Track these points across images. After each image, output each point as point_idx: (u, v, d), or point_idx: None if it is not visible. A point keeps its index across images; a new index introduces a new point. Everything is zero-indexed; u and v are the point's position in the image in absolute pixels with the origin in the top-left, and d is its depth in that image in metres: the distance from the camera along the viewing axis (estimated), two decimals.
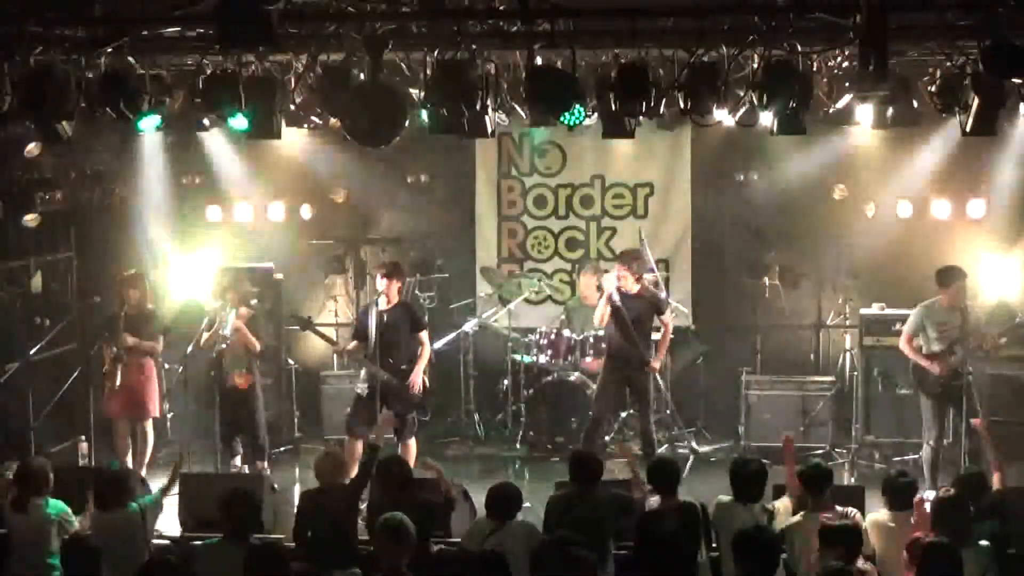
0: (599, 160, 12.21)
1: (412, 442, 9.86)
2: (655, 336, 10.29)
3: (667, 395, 11.25)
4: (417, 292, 12.08)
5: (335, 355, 11.66)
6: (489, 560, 5.99)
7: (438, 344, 11.39)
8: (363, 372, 9.79)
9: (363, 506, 7.90)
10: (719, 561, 7.30)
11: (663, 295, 10.48)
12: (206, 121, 9.43)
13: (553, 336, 11.21)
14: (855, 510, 7.25)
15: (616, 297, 9.91)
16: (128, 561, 6.65)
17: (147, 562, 6.17)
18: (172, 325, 10.47)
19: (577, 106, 7.95)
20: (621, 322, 9.95)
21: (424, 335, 9.95)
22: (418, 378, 9.78)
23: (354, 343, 9.88)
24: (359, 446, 9.66)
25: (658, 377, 10.42)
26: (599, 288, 10.33)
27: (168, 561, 6.35)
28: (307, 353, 12.30)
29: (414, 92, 8.13)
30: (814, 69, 7.94)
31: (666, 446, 10.99)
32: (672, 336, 11.05)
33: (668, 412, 11.35)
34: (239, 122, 8.27)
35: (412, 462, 9.60)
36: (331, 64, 8.09)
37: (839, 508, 7.17)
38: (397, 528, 6.19)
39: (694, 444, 11.03)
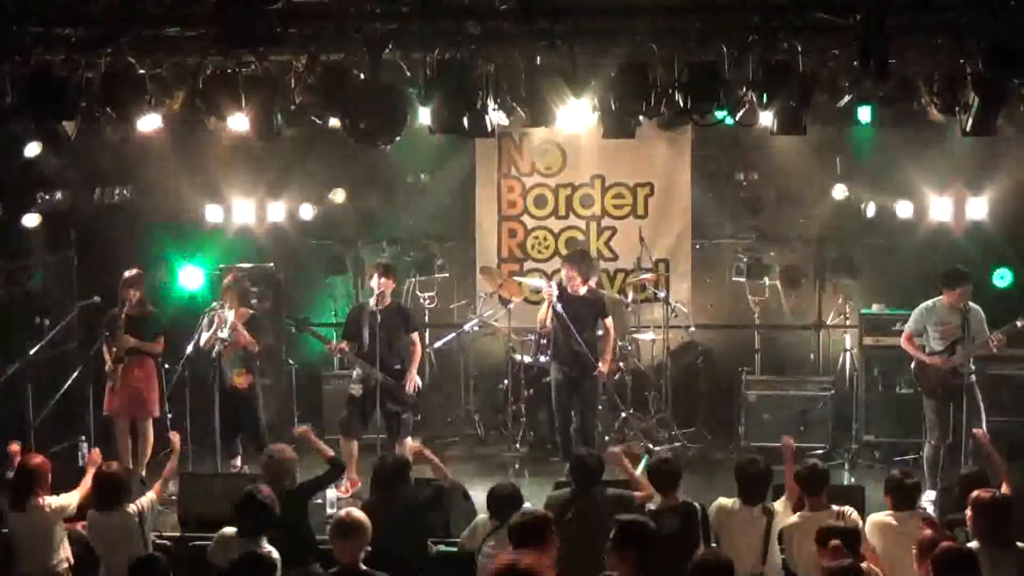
0: (599, 160, 12.20)
1: (408, 441, 9.89)
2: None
3: (664, 395, 11.28)
4: (417, 292, 12.09)
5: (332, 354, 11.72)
6: None
7: (438, 344, 11.40)
8: (355, 373, 9.86)
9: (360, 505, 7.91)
10: None
11: (606, 299, 10.47)
12: (206, 121, 9.43)
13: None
14: (852, 510, 7.24)
15: (557, 304, 9.98)
16: (127, 561, 6.66)
17: (135, 562, 6.17)
18: (172, 325, 10.47)
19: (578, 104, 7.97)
20: (564, 325, 9.99)
21: (416, 336, 10.07)
22: (413, 378, 9.88)
23: (345, 342, 9.95)
24: (355, 446, 9.79)
25: (604, 382, 10.33)
26: (536, 291, 10.33)
27: (155, 560, 6.35)
28: (307, 353, 12.29)
29: (414, 92, 8.13)
30: (814, 69, 7.93)
31: (665, 446, 10.98)
32: (671, 336, 11.14)
33: (668, 412, 11.37)
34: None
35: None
36: (331, 64, 8.09)
37: (836, 508, 7.17)
38: (351, 525, 6.21)
39: (649, 444, 10.95)
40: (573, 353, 10.07)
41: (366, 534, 6.22)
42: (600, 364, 10.08)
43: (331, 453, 7.97)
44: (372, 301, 9.84)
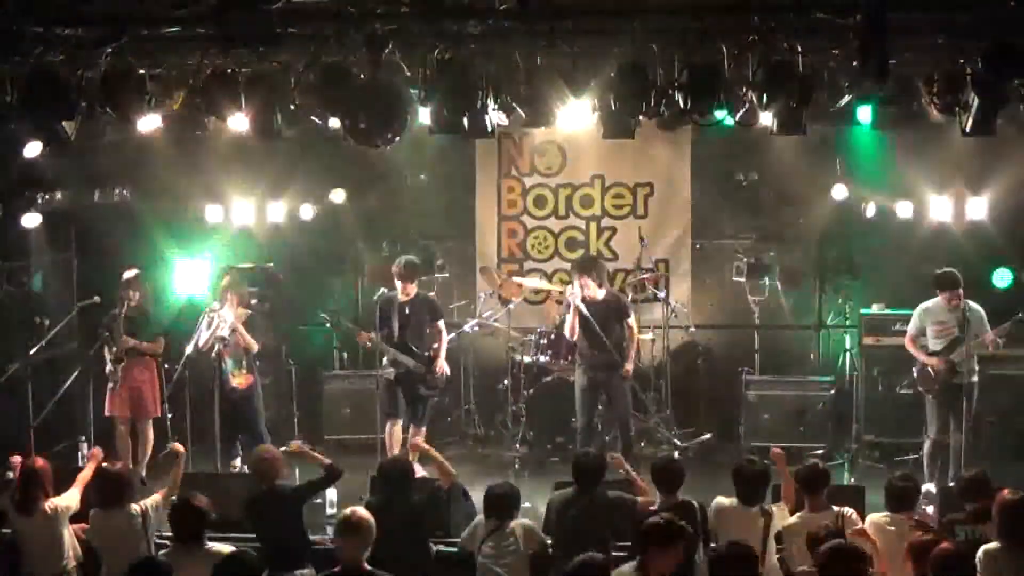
0: (599, 160, 12.19)
1: (424, 430, 10.15)
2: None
3: (664, 395, 11.27)
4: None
5: (336, 353, 11.74)
6: None
7: (437, 344, 11.40)
8: (385, 359, 10.11)
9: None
10: None
11: (628, 300, 10.61)
12: (206, 121, 9.43)
13: (553, 336, 11.21)
14: (852, 510, 7.24)
15: (582, 307, 10.00)
16: (128, 561, 6.66)
17: (134, 563, 6.16)
18: (172, 325, 10.47)
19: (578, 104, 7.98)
20: (589, 329, 10.02)
21: (442, 323, 10.37)
22: (442, 362, 10.21)
23: (374, 333, 10.16)
24: (398, 429, 10.13)
25: (633, 382, 10.38)
26: (559, 302, 10.42)
27: (155, 561, 6.34)
28: (307, 353, 12.29)
29: (414, 92, 8.13)
30: (814, 69, 7.93)
31: (665, 446, 10.98)
32: (671, 336, 11.14)
33: (668, 412, 11.36)
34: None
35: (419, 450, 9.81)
36: (331, 64, 8.09)
37: (836, 508, 7.17)
38: (356, 524, 6.21)
39: (676, 441, 10.96)
40: (600, 356, 10.07)
41: (370, 533, 6.21)
42: (626, 364, 10.12)
43: (327, 460, 7.94)
44: (399, 294, 10.14)
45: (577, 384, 10.35)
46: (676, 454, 10.66)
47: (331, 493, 9.02)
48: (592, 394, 10.25)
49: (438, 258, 12.21)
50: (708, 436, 11.16)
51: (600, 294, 10.11)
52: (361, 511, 6.32)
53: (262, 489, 7.73)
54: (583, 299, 10.01)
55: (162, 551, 7.08)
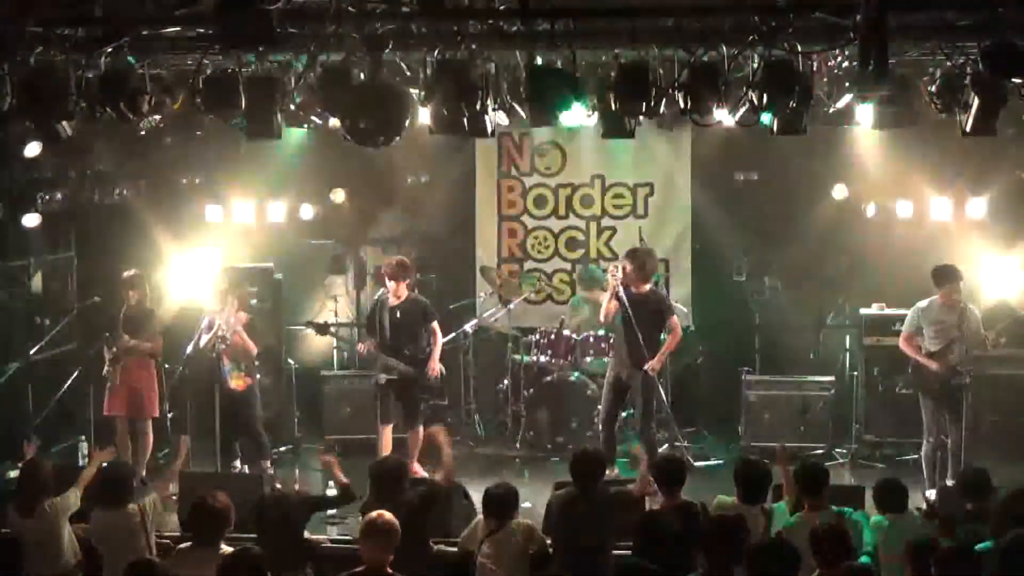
0: (599, 160, 12.21)
1: (420, 430, 10.03)
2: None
3: (665, 395, 11.28)
4: (416, 292, 12.08)
5: (336, 353, 11.73)
6: None
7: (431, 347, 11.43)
8: (378, 363, 10.10)
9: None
10: None
11: (671, 300, 10.58)
12: (206, 121, 9.44)
13: (553, 336, 11.22)
14: (851, 510, 7.24)
15: (622, 293, 9.90)
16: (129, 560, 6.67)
17: (131, 563, 6.16)
18: (172, 325, 10.47)
19: (578, 104, 7.97)
20: (625, 319, 9.93)
21: (435, 325, 10.28)
22: (436, 365, 10.13)
23: (369, 339, 10.18)
24: (388, 432, 10.12)
25: (658, 383, 10.23)
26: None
27: (152, 562, 6.34)
28: (307, 353, 12.29)
29: (414, 92, 8.13)
30: (814, 69, 7.93)
31: (665, 446, 10.97)
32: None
33: (667, 412, 11.35)
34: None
35: (418, 451, 9.75)
36: (331, 64, 8.09)
37: (836, 508, 7.17)
38: (381, 527, 6.19)
39: (690, 458, 10.78)
40: (630, 353, 9.93)
41: (395, 537, 6.20)
42: (651, 360, 9.86)
43: (346, 481, 7.91)
44: (390, 297, 10.09)
45: (606, 380, 10.30)
46: (665, 446, 10.69)
47: (330, 492, 9.03)
48: (614, 391, 10.14)
49: (438, 258, 12.21)
50: (720, 462, 10.94)
51: (644, 288, 10.00)
52: (387, 515, 6.30)
53: (275, 494, 7.73)
54: (625, 288, 9.90)
55: (181, 545, 7.03)
